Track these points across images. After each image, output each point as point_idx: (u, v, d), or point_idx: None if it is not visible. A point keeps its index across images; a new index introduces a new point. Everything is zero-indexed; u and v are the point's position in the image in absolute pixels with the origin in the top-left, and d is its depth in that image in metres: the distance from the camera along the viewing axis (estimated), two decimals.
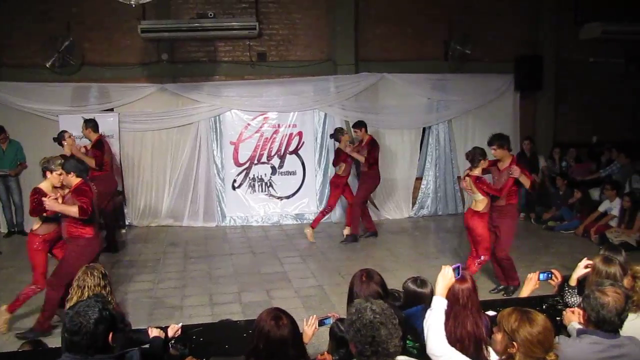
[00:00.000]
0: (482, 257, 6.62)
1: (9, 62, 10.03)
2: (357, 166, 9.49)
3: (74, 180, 5.59)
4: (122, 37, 10.18)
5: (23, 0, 9.94)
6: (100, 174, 8.26)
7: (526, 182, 6.44)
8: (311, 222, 9.55)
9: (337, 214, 10.52)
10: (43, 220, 5.78)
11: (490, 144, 6.58)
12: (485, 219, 6.54)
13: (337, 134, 9.07)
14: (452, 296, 3.09)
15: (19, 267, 8.15)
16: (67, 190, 5.73)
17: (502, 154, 6.54)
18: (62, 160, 5.81)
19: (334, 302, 6.51)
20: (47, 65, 9.87)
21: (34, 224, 5.92)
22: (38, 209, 5.59)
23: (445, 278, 3.06)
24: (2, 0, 9.90)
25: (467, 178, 6.62)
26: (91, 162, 7.93)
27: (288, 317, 2.84)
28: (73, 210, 5.40)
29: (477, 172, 6.52)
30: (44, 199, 5.46)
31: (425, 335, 2.94)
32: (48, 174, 5.70)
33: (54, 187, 5.76)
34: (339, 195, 9.28)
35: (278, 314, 2.84)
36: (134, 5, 7.81)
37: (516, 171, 6.35)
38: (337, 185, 9.17)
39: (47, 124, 9.96)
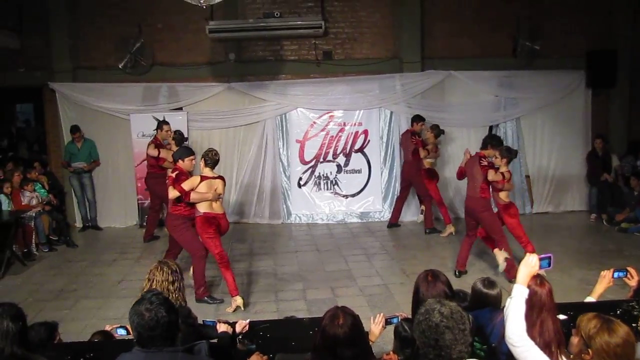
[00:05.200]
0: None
1: (84, 64, 10.43)
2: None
3: None
4: (191, 37, 10.40)
5: (97, 5, 10.37)
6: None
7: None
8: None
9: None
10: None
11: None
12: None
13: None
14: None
15: (92, 261, 8.50)
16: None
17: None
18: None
19: (398, 301, 6.45)
20: (120, 66, 10.20)
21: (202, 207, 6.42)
22: None
23: (527, 266, 2.92)
24: (78, 6, 10.30)
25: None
26: None
27: (349, 317, 2.78)
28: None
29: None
30: None
31: (505, 320, 2.83)
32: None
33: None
34: None
35: (337, 313, 2.79)
36: (204, 7, 7.97)
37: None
38: None
39: (119, 122, 10.34)
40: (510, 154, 7.04)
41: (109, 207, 10.49)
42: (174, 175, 6.41)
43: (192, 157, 6.62)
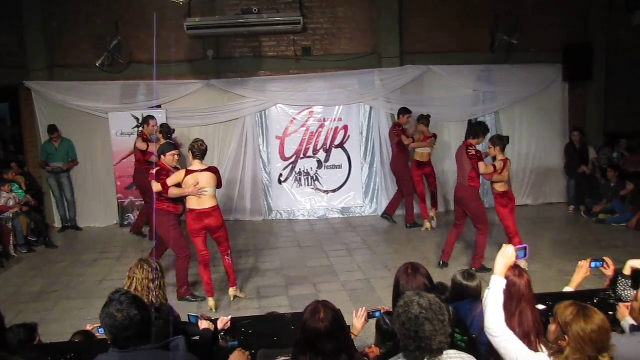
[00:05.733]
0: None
1: (61, 63, 10.29)
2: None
3: None
4: (169, 35, 10.22)
5: (73, 3, 10.23)
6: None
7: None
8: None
9: (382, 206, 10.47)
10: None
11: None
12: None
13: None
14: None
15: (72, 261, 8.42)
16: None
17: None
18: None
19: (380, 295, 6.49)
20: (97, 65, 10.08)
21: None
22: None
23: (504, 257, 2.96)
24: (53, 3, 10.16)
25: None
26: None
27: (330, 311, 2.77)
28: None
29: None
30: None
31: (484, 311, 2.88)
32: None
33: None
34: None
35: (317, 307, 2.78)
36: (181, 4, 7.94)
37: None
38: None
39: (97, 121, 10.22)
40: (502, 142, 7.09)
41: (88, 206, 10.39)
42: (154, 172, 6.34)
43: (173, 152, 6.45)
